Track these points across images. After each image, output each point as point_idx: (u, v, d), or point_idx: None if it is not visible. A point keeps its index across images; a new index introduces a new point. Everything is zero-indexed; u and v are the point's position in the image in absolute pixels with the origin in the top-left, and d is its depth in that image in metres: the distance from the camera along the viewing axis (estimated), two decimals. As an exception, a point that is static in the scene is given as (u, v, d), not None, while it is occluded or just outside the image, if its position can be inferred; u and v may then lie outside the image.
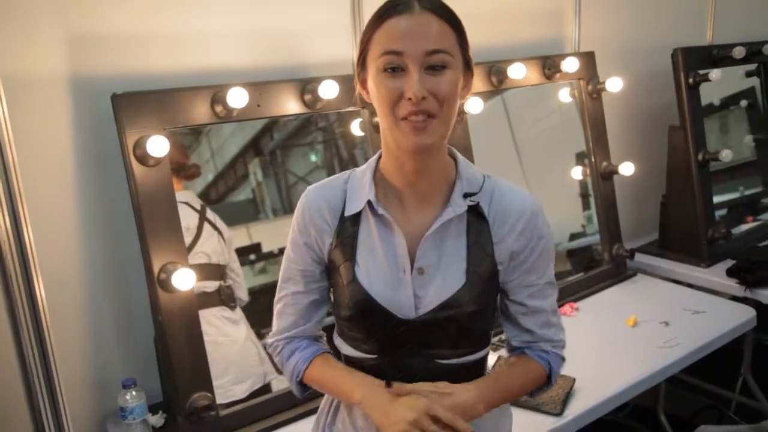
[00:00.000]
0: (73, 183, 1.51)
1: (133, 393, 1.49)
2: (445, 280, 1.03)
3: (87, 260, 1.55)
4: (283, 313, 1.14)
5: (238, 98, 1.50)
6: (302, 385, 1.14)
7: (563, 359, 1.16)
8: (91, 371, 1.59)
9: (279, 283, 1.14)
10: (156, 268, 1.46)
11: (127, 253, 1.57)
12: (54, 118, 1.47)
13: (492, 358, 1.18)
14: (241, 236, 1.67)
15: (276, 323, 1.15)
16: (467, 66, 1.00)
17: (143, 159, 1.43)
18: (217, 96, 1.53)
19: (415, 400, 0.98)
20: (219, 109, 1.53)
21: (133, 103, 1.44)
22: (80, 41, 1.47)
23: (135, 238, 1.48)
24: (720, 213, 2.56)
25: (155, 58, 1.57)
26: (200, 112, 1.53)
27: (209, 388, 1.53)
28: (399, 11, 0.94)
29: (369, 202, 1.04)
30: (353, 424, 1.10)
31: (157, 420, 1.56)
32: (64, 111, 1.48)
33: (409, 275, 1.03)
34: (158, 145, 1.41)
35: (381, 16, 0.95)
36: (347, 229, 1.06)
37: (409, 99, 0.92)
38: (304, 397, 1.17)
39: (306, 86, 1.66)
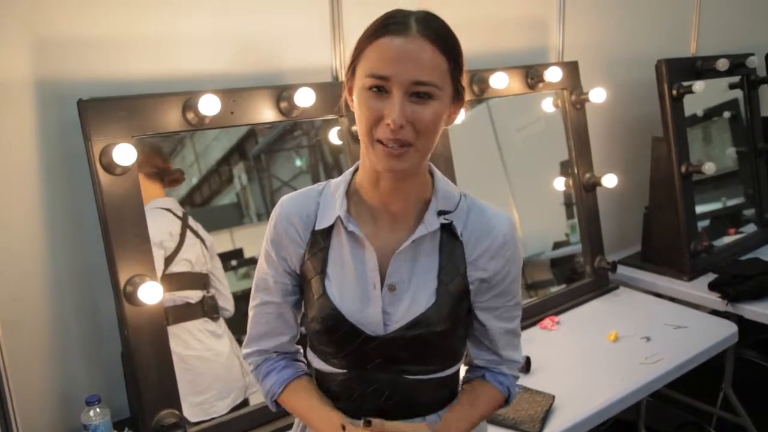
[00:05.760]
0: (37, 191, 1.46)
1: (97, 410, 1.44)
2: (415, 298, 1.02)
3: (51, 270, 1.50)
4: (255, 322, 1.13)
5: (210, 105, 1.46)
6: (277, 403, 1.14)
7: (517, 378, 1.18)
8: (53, 386, 1.53)
9: (252, 291, 1.13)
10: (122, 281, 1.41)
11: (93, 264, 1.52)
12: (17, 123, 1.42)
13: (464, 371, 1.18)
14: (224, 241, 1.66)
15: (248, 331, 1.14)
16: (457, 94, 0.97)
17: (110, 167, 1.39)
18: (188, 103, 1.49)
19: None
20: (191, 116, 1.49)
21: (100, 110, 1.39)
22: (45, 44, 1.42)
23: (102, 249, 1.43)
24: (702, 224, 2.55)
25: (124, 63, 1.52)
26: (171, 119, 1.48)
27: (177, 405, 1.48)
28: (394, 31, 0.91)
29: (340, 218, 1.03)
30: None
31: (122, 437, 1.52)
32: (28, 116, 1.43)
33: (379, 291, 1.02)
34: (125, 154, 1.36)
35: (376, 32, 0.93)
36: (319, 242, 1.05)
37: (388, 124, 0.91)
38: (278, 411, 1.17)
39: (281, 94, 1.63)
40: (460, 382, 1.16)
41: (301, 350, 1.17)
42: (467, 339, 1.14)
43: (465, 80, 0.98)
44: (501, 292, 1.07)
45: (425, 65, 0.91)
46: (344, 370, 1.05)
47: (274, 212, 1.08)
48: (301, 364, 1.15)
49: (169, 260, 1.53)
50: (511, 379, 1.15)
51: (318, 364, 1.09)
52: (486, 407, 1.12)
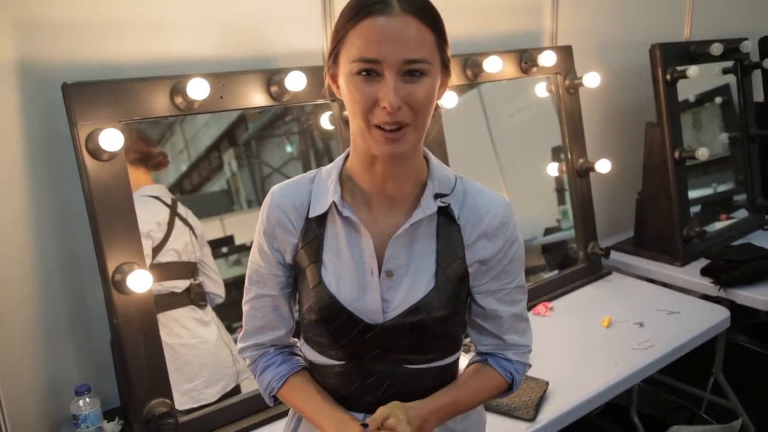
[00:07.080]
0: (21, 177, 1.43)
1: (87, 400, 1.43)
2: (414, 284, 1.00)
3: (37, 258, 1.47)
4: (251, 316, 1.10)
5: (198, 89, 1.43)
6: (275, 398, 1.12)
7: (528, 365, 1.13)
8: (42, 376, 1.51)
9: (246, 285, 1.10)
10: (111, 269, 1.39)
11: (82, 251, 1.49)
12: (0, 108, 1.38)
13: (463, 361, 1.15)
14: (214, 228, 1.64)
15: (244, 326, 1.12)
16: (445, 66, 0.96)
17: (96, 153, 1.36)
18: (176, 87, 1.45)
19: None
20: (179, 100, 1.46)
21: (86, 94, 1.36)
22: (29, 25, 1.38)
23: (90, 236, 1.40)
24: (693, 210, 2.55)
25: (110, 46, 1.48)
26: (159, 103, 1.45)
27: (168, 394, 1.46)
28: (377, 11, 0.88)
29: (334, 204, 1.00)
30: None
31: (113, 427, 1.49)
32: (11, 101, 1.39)
33: (377, 278, 0.99)
34: (112, 139, 1.33)
35: (357, 14, 0.90)
36: (313, 230, 1.02)
37: (384, 108, 0.89)
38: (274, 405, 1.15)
39: (272, 77, 1.59)
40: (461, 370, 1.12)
41: (298, 343, 1.15)
42: (468, 326, 1.11)
43: (449, 51, 0.95)
44: (499, 274, 1.04)
45: (413, 42, 0.88)
46: (341, 362, 1.03)
47: (265, 202, 1.04)
48: (298, 358, 1.12)
49: (156, 250, 1.51)
50: (516, 365, 1.10)
51: (313, 356, 1.07)
52: (480, 392, 1.08)
